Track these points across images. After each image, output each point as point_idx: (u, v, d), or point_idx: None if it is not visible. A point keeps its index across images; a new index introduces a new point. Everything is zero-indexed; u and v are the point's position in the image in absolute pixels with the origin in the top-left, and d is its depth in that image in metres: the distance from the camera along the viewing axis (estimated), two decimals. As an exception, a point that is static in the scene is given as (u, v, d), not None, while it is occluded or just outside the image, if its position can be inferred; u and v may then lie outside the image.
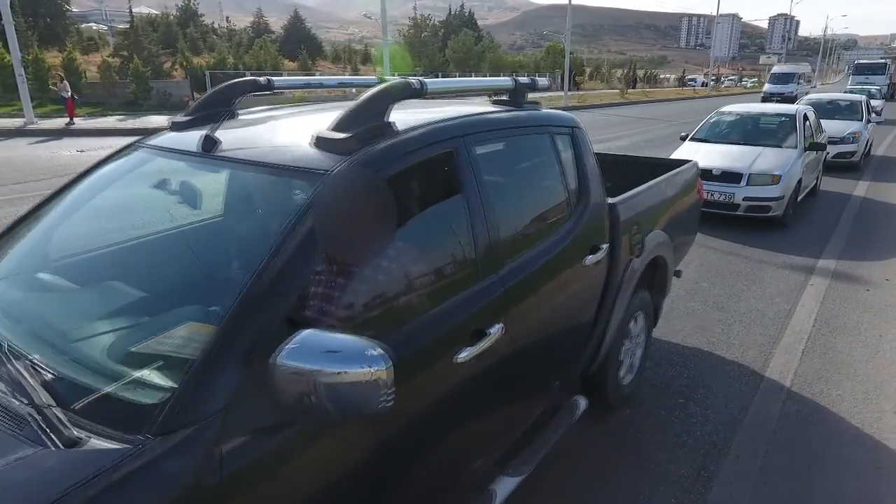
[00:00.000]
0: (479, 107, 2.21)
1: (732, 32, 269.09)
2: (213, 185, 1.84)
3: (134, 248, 1.81)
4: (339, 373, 1.14)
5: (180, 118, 2.14)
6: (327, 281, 1.87)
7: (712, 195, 6.89)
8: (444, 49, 49.31)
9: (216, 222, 1.98)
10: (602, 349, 2.76)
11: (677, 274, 4.09)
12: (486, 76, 43.44)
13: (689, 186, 3.73)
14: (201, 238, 1.92)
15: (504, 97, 2.45)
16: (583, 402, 2.70)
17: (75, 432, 1.13)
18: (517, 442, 2.35)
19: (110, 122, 19.41)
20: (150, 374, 1.27)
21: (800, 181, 7.21)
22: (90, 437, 1.11)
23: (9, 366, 1.31)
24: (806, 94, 29.96)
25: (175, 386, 1.19)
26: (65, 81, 19.94)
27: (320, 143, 1.65)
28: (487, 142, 2.05)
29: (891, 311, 4.64)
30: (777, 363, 3.76)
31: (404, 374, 1.59)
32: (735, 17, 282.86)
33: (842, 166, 10.93)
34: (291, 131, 1.84)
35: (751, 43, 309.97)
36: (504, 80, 2.37)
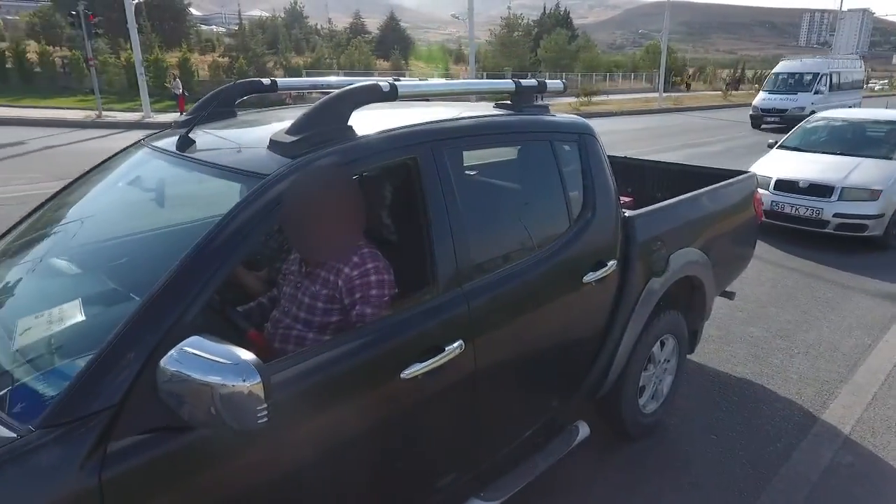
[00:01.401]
0: (466, 111, 2.09)
1: (862, 29, 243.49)
2: (182, 185, 1.88)
3: (102, 247, 1.88)
4: (212, 384, 1.10)
5: (182, 117, 2.21)
6: (246, 289, 1.85)
7: (797, 210, 6.24)
8: (536, 49, 48.65)
9: (176, 223, 2.02)
10: (610, 373, 2.55)
11: (729, 296, 3.73)
12: (577, 76, 42.39)
13: (741, 201, 3.37)
14: (159, 238, 1.96)
15: (507, 101, 2.31)
16: (584, 429, 2.50)
17: None
18: (503, 462, 2.22)
19: (214, 117, 20.94)
20: (65, 365, 1.30)
21: (907, 197, 6.29)
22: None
23: None
24: (853, 106, 17.02)
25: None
26: (177, 80, 21.84)
27: (273, 145, 1.62)
28: (466, 148, 1.94)
29: None
30: (839, 405, 3.31)
31: (341, 387, 1.55)
32: (866, 12, 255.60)
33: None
34: (267, 132, 1.83)
35: (884, 41, 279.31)
36: (504, 83, 2.23)
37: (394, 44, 50.44)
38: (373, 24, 70.03)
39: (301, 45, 47.05)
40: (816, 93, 18.27)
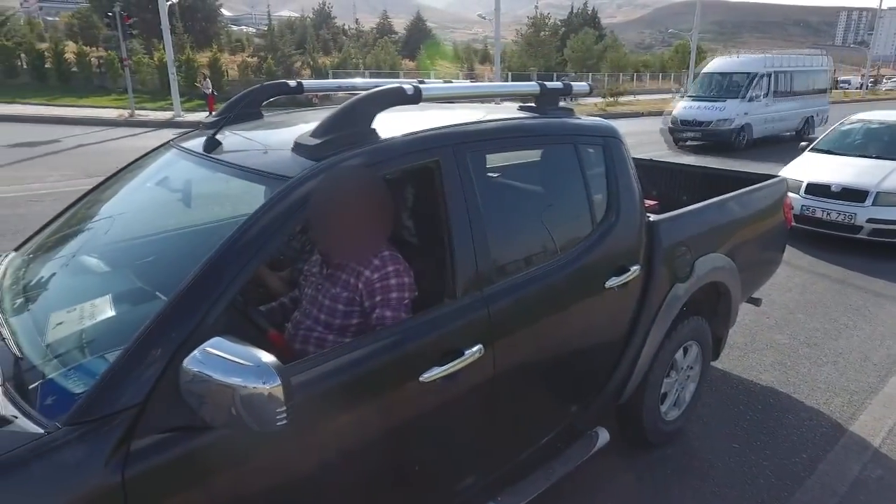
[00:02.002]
0: (490, 114, 2.09)
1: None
2: (208, 186, 1.92)
3: (130, 246, 1.94)
4: (233, 385, 1.12)
5: (209, 118, 2.25)
6: (269, 289, 1.88)
7: (829, 214, 6.08)
8: (562, 49, 48.26)
9: (202, 223, 2.06)
10: (632, 379, 2.52)
11: (756, 302, 3.66)
12: (604, 76, 41.91)
13: (771, 206, 3.30)
14: (184, 238, 2.01)
15: (531, 104, 2.31)
16: (603, 435, 2.48)
17: (13, 410, 1.22)
18: (521, 467, 2.21)
19: (241, 116, 21.30)
20: (92, 361, 1.34)
21: (947, 204, 6.02)
22: (17, 418, 1.19)
23: None
24: (816, 116, 13.86)
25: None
26: (207, 79, 22.25)
27: (297, 147, 1.65)
28: (488, 151, 1.94)
29: None
30: (869, 417, 3.22)
31: (360, 389, 1.56)
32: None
33: None
34: (292, 134, 1.86)
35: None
36: (528, 85, 2.23)
37: (419, 44, 50.61)
38: (399, 24, 70.32)
39: (328, 45, 47.52)
40: (751, 100, 13.62)
